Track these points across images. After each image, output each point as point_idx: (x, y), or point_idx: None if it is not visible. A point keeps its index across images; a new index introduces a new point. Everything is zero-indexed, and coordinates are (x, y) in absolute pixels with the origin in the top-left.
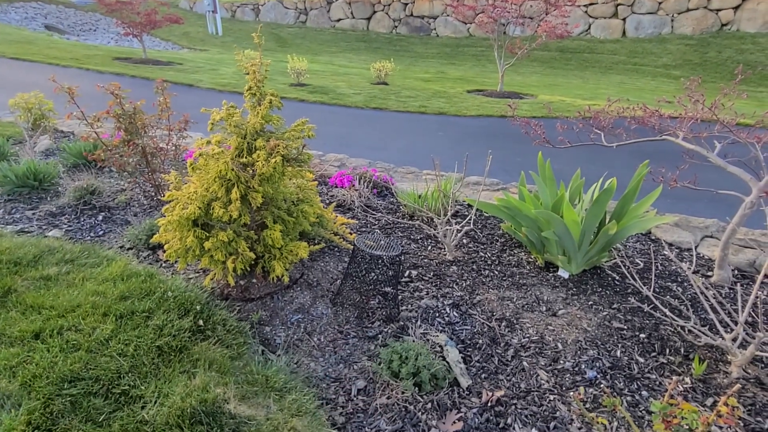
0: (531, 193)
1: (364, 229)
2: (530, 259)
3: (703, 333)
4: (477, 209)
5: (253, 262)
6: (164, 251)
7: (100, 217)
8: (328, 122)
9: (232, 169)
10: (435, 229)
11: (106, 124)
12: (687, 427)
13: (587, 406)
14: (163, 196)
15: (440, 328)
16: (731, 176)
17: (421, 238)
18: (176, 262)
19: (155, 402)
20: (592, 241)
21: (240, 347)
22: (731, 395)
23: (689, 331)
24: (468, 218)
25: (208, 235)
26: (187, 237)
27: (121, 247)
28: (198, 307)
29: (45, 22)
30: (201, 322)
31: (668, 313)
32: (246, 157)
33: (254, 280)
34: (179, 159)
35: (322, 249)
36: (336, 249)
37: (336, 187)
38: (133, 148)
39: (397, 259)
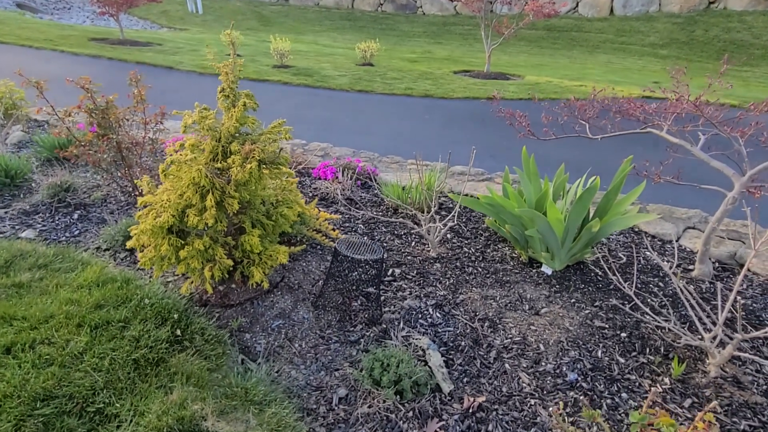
0: (515, 189)
1: (347, 224)
2: (514, 255)
3: (683, 333)
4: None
5: (231, 268)
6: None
7: (76, 216)
8: (313, 106)
9: (206, 176)
10: (419, 226)
11: (82, 114)
12: None
13: (567, 410)
14: (140, 192)
15: (423, 330)
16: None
17: (404, 234)
18: (152, 268)
19: (131, 421)
20: (576, 237)
21: (219, 358)
22: (708, 411)
23: (669, 330)
24: (452, 215)
25: (183, 243)
26: (161, 245)
27: (97, 249)
28: (176, 316)
29: None
30: (179, 332)
31: (649, 312)
32: (221, 162)
33: (233, 285)
34: (156, 152)
35: (304, 248)
36: (318, 246)
37: (319, 179)
38: (108, 143)
39: (379, 261)
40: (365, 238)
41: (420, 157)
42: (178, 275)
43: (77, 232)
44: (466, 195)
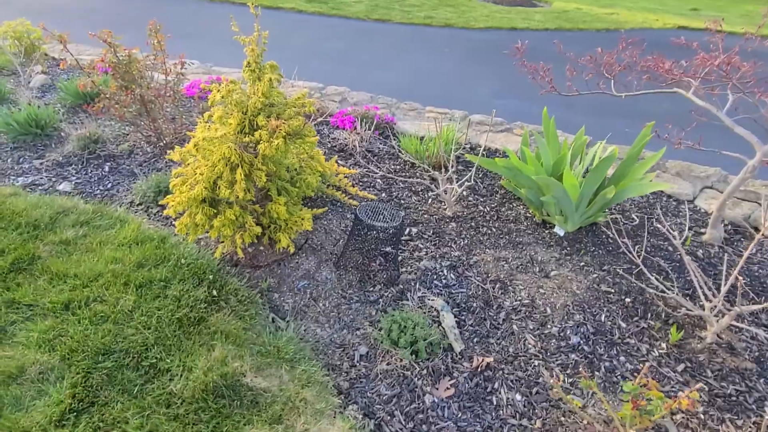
0: (533, 150)
1: (365, 179)
2: (528, 214)
3: (683, 304)
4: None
5: (259, 233)
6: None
7: (107, 168)
8: (327, 37)
9: (236, 151)
10: (436, 183)
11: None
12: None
13: (568, 371)
14: (165, 142)
15: (438, 291)
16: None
17: (422, 190)
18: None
19: (181, 376)
20: (590, 202)
21: (252, 318)
22: (694, 390)
23: (671, 297)
24: (468, 176)
25: (215, 212)
26: (196, 214)
27: (131, 203)
28: (211, 277)
29: None
30: (215, 293)
31: (653, 280)
32: (248, 136)
33: (261, 248)
34: (178, 103)
35: (325, 205)
36: (338, 204)
37: (337, 128)
38: (132, 97)
39: (399, 227)
40: (384, 203)
41: (436, 113)
42: (207, 234)
43: (110, 185)
44: (486, 154)
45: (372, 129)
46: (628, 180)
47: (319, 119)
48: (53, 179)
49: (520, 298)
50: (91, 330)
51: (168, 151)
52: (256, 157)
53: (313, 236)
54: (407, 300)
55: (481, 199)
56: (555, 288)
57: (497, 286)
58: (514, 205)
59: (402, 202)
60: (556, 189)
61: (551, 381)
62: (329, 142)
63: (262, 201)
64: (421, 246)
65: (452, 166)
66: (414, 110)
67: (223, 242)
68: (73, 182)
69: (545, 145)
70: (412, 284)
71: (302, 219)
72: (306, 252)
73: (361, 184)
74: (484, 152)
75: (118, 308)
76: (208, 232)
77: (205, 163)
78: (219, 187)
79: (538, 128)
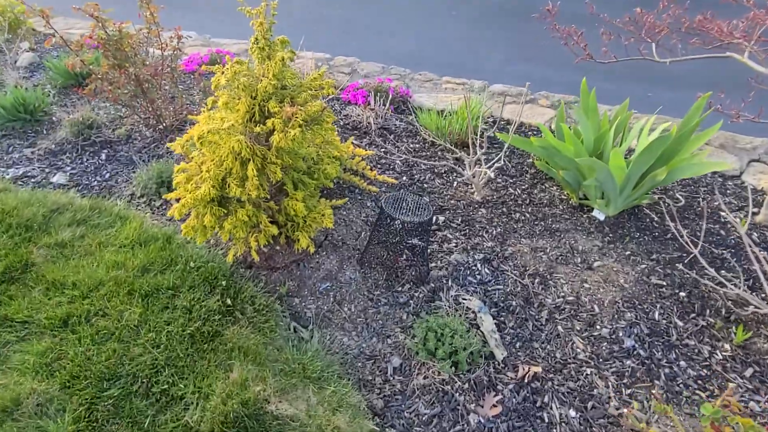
0: (570, 128)
1: (383, 161)
2: (563, 196)
3: (751, 302)
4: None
5: (276, 234)
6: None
7: (103, 156)
8: (330, 3)
9: (247, 145)
10: (461, 165)
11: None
12: None
13: (625, 380)
14: (165, 124)
15: (473, 289)
16: None
17: (445, 172)
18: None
19: (197, 405)
20: (637, 185)
21: (272, 330)
22: None
23: (735, 294)
24: (499, 157)
25: (226, 212)
26: (203, 215)
27: (131, 196)
28: (224, 283)
29: None
30: (229, 301)
31: (711, 271)
32: (259, 126)
33: (278, 247)
34: (177, 81)
35: (342, 193)
36: (357, 191)
37: (349, 103)
38: (126, 76)
39: (428, 222)
40: (405, 190)
41: (453, 84)
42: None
43: (108, 175)
44: (517, 131)
45: (387, 104)
46: (680, 158)
47: (331, 95)
48: (46, 170)
49: (562, 294)
50: (93, 350)
51: (169, 136)
52: (269, 150)
53: (333, 230)
54: (440, 300)
55: (511, 181)
56: (600, 281)
57: (537, 280)
58: (547, 185)
59: (425, 186)
60: (600, 171)
61: (625, 411)
62: (341, 119)
63: (276, 196)
64: (450, 236)
65: (481, 147)
66: (429, 81)
67: (235, 244)
68: (68, 173)
69: (585, 119)
70: (444, 281)
71: (322, 215)
72: (326, 249)
73: (379, 166)
74: (507, 126)
75: (122, 323)
76: (217, 233)
77: (212, 157)
78: (229, 185)
79: (565, 98)
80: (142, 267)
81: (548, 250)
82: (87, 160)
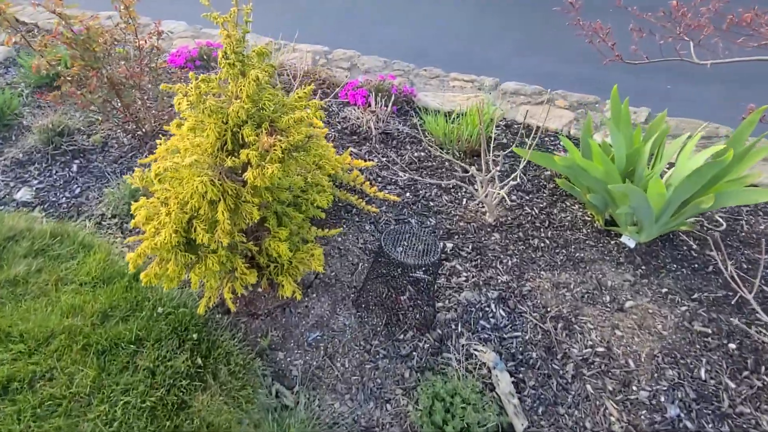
0: (596, 137)
1: (384, 174)
2: (586, 218)
3: None
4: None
5: (254, 282)
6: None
7: (75, 167)
8: None
9: (214, 184)
10: (471, 179)
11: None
12: None
13: None
14: (144, 129)
15: (486, 336)
16: None
17: (454, 188)
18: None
19: None
20: (676, 211)
21: (249, 401)
22: None
23: None
24: (515, 174)
25: (194, 258)
26: (167, 263)
27: (101, 217)
28: (195, 336)
29: None
30: (200, 361)
31: (765, 318)
32: (232, 159)
33: (260, 289)
34: (159, 81)
35: (337, 213)
36: (353, 211)
37: (348, 104)
38: (97, 79)
39: (436, 264)
40: (411, 222)
41: (462, 81)
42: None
43: (78, 190)
44: (525, 133)
45: (389, 105)
46: (729, 181)
47: (323, 87)
48: (11, 184)
49: (590, 342)
50: (33, 429)
51: (149, 142)
52: (244, 186)
53: (325, 263)
54: (448, 352)
55: (527, 198)
56: (634, 327)
57: (560, 325)
58: (568, 203)
59: (431, 204)
60: (635, 198)
61: None
62: (339, 122)
63: (257, 231)
64: (460, 268)
65: (495, 163)
66: (436, 77)
67: (207, 294)
68: (34, 188)
69: (617, 131)
70: (453, 327)
71: (311, 255)
72: (317, 290)
73: (380, 179)
74: (521, 130)
75: (73, 389)
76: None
77: (175, 194)
78: (195, 229)
79: (584, 98)
80: (103, 312)
81: (572, 286)
82: (56, 172)
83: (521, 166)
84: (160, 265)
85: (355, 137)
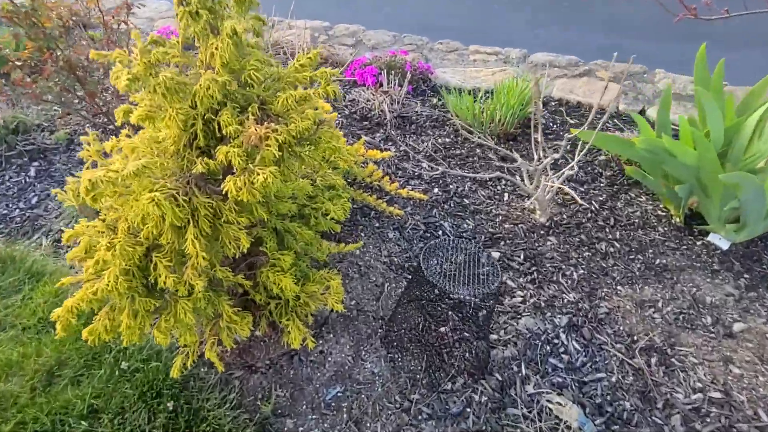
0: (683, 115)
1: (404, 165)
2: (659, 212)
3: None
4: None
5: (248, 334)
6: None
7: (32, 171)
8: None
9: (178, 201)
10: (517, 174)
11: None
12: None
13: None
14: (116, 124)
15: (560, 379)
16: None
17: (491, 181)
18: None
19: None
20: None
21: None
22: None
23: None
24: (573, 163)
25: (156, 305)
26: (119, 313)
27: (61, 233)
28: (171, 404)
29: None
30: None
31: None
32: (204, 161)
33: (258, 333)
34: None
35: (352, 218)
36: (372, 214)
37: (356, 85)
38: (53, 62)
39: (494, 294)
40: (443, 210)
41: (484, 53)
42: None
43: (35, 200)
44: (566, 111)
45: (405, 84)
46: None
47: (327, 63)
48: None
49: (699, 384)
50: None
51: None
52: (225, 200)
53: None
54: (514, 406)
55: (581, 190)
56: (754, 361)
57: (654, 360)
58: (632, 195)
59: (466, 201)
60: (749, 189)
61: None
62: (346, 106)
63: (248, 259)
64: (513, 284)
65: (554, 150)
66: (453, 51)
67: (182, 351)
68: None
69: (713, 103)
70: (514, 368)
71: (326, 287)
72: (334, 327)
73: (399, 172)
74: (560, 108)
75: None
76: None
77: (124, 216)
78: (155, 265)
79: (630, 68)
80: (48, 371)
81: (660, 305)
82: (10, 178)
83: (582, 151)
84: (110, 316)
85: (366, 123)
